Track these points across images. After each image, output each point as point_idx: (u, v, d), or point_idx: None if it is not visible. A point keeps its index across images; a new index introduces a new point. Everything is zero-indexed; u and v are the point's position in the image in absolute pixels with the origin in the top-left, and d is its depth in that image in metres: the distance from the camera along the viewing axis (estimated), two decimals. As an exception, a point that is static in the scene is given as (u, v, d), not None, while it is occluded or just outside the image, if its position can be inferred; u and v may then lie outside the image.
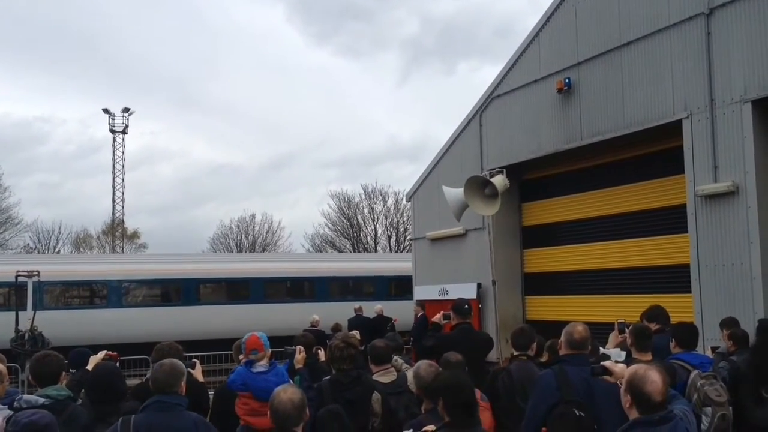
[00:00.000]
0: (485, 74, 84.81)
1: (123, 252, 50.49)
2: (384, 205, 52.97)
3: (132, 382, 6.40)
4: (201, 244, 58.49)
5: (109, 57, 76.06)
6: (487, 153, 17.62)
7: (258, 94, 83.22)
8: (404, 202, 43.09)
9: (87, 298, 25.43)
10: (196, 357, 8.39)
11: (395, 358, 6.99)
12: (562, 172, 16.54)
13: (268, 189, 77.64)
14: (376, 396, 5.89)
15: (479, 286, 17.59)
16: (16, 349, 17.22)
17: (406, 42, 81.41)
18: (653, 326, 6.75)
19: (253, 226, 55.33)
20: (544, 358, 7.07)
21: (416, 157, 79.42)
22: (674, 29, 12.98)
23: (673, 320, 7.30)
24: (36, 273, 19.51)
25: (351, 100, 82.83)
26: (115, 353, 6.54)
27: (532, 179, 17.48)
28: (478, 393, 4.68)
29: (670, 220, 13.77)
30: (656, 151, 14.14)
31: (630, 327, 6.26)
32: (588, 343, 5.17)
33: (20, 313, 18.99)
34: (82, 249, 54.85)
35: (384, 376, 6.21)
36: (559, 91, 15.23)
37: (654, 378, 3.79)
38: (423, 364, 5.23)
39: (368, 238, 53.51)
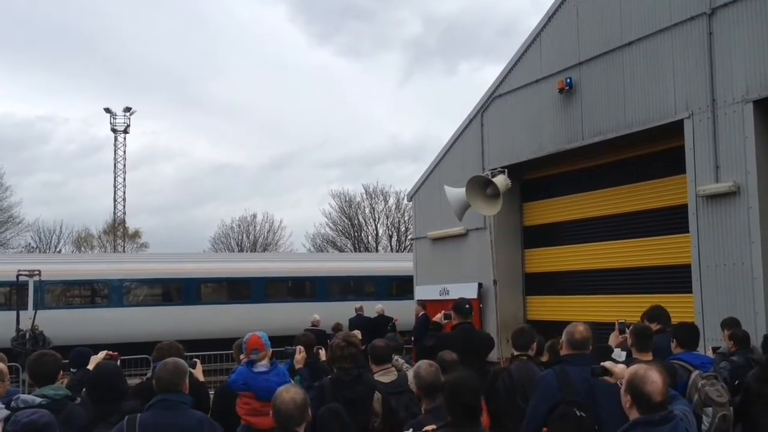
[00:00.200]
0: (487, 74, 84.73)
1: (124, 251, 50.50)
2: (385, 205, 53.09)
3: (132, 381, 6.39)
4: (202, 244, 58.60)
5: (112, 56, 76.20)
6: (489, 153, 17.61)
7: (260, 93, 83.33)
8: (405, 201, 43.07)
9: (88, 298, 25.45)
10: (197, 356, 8.39)
11: (396, 357, 6.99)
12: (564, 172, 16.53)
13: (269, 188, 77.75)
14: (376, 396, 5.89)
15: (480, 285, 17.58)
16: (17, 348, 17.25)
17: (408, 42, 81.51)
18: (654, 326, 6.74)
19: (254, 226, 55.45)
20: (544, 358, 7.07)
21: (418, 156, 79.55)
22: (676, 29, 12.97)
23: (674, 320, 7.29)
24: (37, 272, 19.55)
25: (352, 100, 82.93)
26: (116, 353, 6.54)
27: (534, 179, 17.47)
28: None
29: (671, 220, 13.76)
30: (657, 151, 14.13)
31: (630, 327, 6.25)
32: (589, 343, 5.17)
33: (21, 312, 19.02)
34: (83, 248, 54.97)
35: (384, 376, 6.21)
36: (561, 90, 15.22)
37: (654, 378, 3.78)
38: (423, 364, 5.22)
39: (369, 237, 53.59)
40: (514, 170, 16.33)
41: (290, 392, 4.13)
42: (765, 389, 5.87)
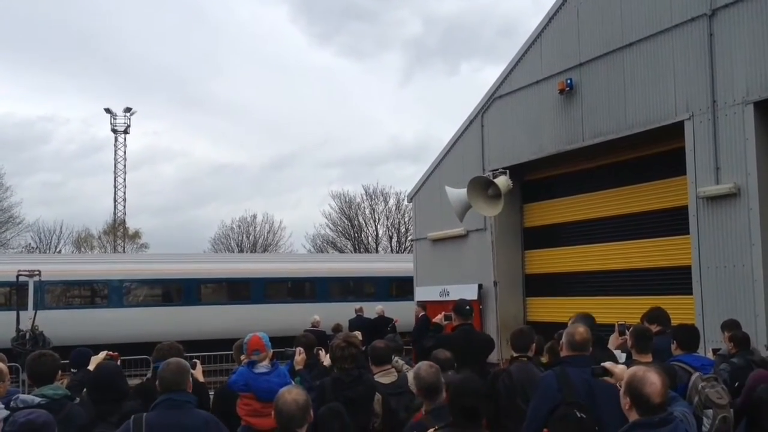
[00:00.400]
0: (488, 75, 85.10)
1: (124, 252, 50.51)
2: (385, 206, 53.08)
3: (133, 382, 6.39)
4: (202, 244, 58.65)
5: (113, 56, 76.25)
6: (489, 154, 17.61)
7: (260, 93, 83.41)
8: (405, 202, 43.08)
9: (88, 298, 25.44)
10: (197, 357, 8.38)
11: (395, 359, 6.99)
12: (564, 173, 16.54)
13: (269, 189, 77.76)
14: (377, 396, 5.89)
15: (480, 287, 17.57)
16: (17, 348, 17.23)
17: (409, 42, 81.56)
18: (654, 328, 6.74)
19: (254, 227, 55.46)
20: (544, 360, 7.07)
21: (418, 157, 79.42)
22: (676, 30, 12.97)
23: (674, 322, 7.28)
24: (37, 272, 19.54)
25: (353, 100, 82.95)
26: (116, 353, 6.54)
27: (534, 180, 17.47)
28: None
29: (671, 221, 13.75)
30: (658, 152, 14.13)
31: (630, 329, 6.25)
32: (589, 344, 5.17)
33: (21, 312, 19.00)
34: (83, 249, 54.94)
35: (384, 377, 6.22)
36: (561, 92, 15.22)
37: (653, 379, 3.76)
38: (424, 365, 5.23)
39: (369, 238, 53.60)
40: (514, 171, 16.33)
41: (292, 393, 4.13)
42: None
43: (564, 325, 5.51)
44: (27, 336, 17.86)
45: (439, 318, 8.69)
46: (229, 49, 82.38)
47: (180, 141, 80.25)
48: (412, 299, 20.19)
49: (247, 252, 51.94)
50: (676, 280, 13.47)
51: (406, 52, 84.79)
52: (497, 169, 16.16)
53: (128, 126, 51.26)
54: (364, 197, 53.16)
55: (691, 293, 12.59)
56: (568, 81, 15.07)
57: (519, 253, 17.85)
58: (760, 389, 5.86)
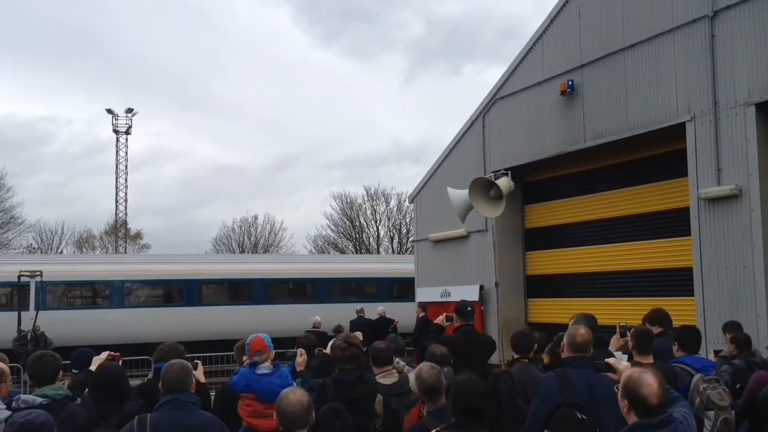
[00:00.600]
0: (490, 76, 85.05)
1: (126, 252, 50.53)
2: (386, 207, 53.09)
3: (134, 382, 6.39)
4: (203, 245, 58.56)
5: (115, 57, 76.32)
6: (490, 155, 17.61)
7: (262, 94, 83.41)
8: (407, 203, 43.08)
9: (89, 299, 25.46)
10: (198, 358, 8.38)
11: (396, 360, 6.99)
12: (565, 174, 16.53)
13: (271, 190, 77.76)
14: (378, 397, 5.90)
15: (482, 288, 17.57)
16: (19, 349, 17.26)
17: (411, 43, 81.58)
18: (655, 329, 6.73)
19: (256, 227, 55.47)
20: (545, 360, 7.07)
21: (420, 158, 79.54)
22: (678, 32, 12.97)
23: (676, 323, 7.28)
24: (39, 273, 19.58)
25: (355, 102, 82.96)
26: (118, 354, 6.54)
27: (535, 181, 17.47)
28: None
29: (673, 223, 13.75)
30: (659, 153, 14.12)
31: (631, 330, 6.24)
32: (590, 346, 5.17)
33: (23, 312, 19.04)
34: (84, 249, 54.99)
35: (385, 378, 6.22)
36: (563, 93, 15.22)
37: (649, 381, 3.73)
38: (425, 366, 5.23)
39: (371, 239, 53.60)
40: (515, 172, 16.33)
41: (296, 394, 4.13)
42: None
43: (565, 327, 5.51)
44: (28, 336, 17.90)
45: (440, 319, 8.70)
46: (231, 49, 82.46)
47: (182, 142, 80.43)
48: (414, 300, 20.19)
49: (248, 253, 51.94)
50: (678, 282, 13.46)
51: (408, 54, 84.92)
52: (499, 171, 16.16)
53: (130, 127, 51.36)
54: (366, 198, 53.25)
55: (692, 295, 12.59)
56: (570, 82, 15.07)
57: (520, 254, 17.84)
58: (766, 390, 5.86)
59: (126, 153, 51.37)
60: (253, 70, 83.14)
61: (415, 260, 21.19)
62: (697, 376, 5.66)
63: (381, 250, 52.47)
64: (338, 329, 14.59)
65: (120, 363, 6.27)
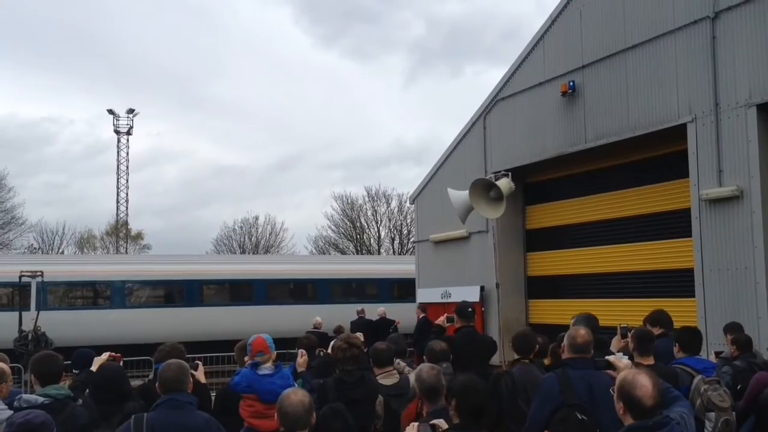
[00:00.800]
0: (491, 77, 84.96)
1: (127, 253, 50.55)
2: (387, 208, 53.09)
3: (135, 382, 6.39)
4: (204, 246, 58.55)
5: (117, 57, 76.39)
6: (491, 156, 17.61)
7: (264, 95, 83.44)
8: (408, 204, 43.08)
9: (90, 299, 25.47)
10: (199, 358, 8.38)
11: (397, 361, 6.99)
12: (566, 175, 16.53)
13: (272, 190, 77.76)
14: (378, 398, 5.89)
15: (482, 289, 17.57)
16: (20, 349, 17.28)
17: (413, 44, 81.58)
18: (656, 330, 6.72)
19: (257, 228, 55.47)
20: (547, 362, 7.07)
21: (421, 159, 79.49)
22: (679, 33, 12.97)
23: (677, 325, 7.27)
24: (40, 273, 19.61)
25: (357, 102, 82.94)
26: (119, 354, 6.55)
27: (536, 182, 17.47)
28: None
29: (674, 224, 13.74)
30: (660, 154, 14.12)
31: (632, 331, 6.24)
32: (591, 346, 5.17)
33: (24, 313, 19.06)
34: (85, 249, 54.99)
35: (386, 379, 6.21)
36: (564, 94, 15.22)
37: (643, 382, 3.73)
38: (425, 366, 5.23)
39: (371, 240, 53.59)
40: (517, 173, 16.33)
41: (298, 394, 4.13)
42: None
43: (566, 328, 5.50)
44: (29, 336, 17.92)
45: (441, 320, 8.70)
46: (232, 49, 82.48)
47: (183, 142, 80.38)
48: (414, 301, 20.19)
49: (249, 253, 51.95)
50: (679, 283, 13.46)
51: (409, 54, 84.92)
52: (499, 171, 16.16)
53: (131, 127, 51.40)
54: (366, 199, 53.27)
55: (693, 296, 12.59)
56: (571, 83, 15.07)
57: (521, 255, 17.84)
58: (766, 392, 5.86)
59: (127, 153, 51.47)
60: (254, 70, 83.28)
61: (416, 261, 21.19)
62: (698, 378, 5.66)
63: (382, 250, 52.50)
64: (339, 330, 14.59)
65: (121, 363, 6.27)
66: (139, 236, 56.94)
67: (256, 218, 55.59)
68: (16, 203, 46.08)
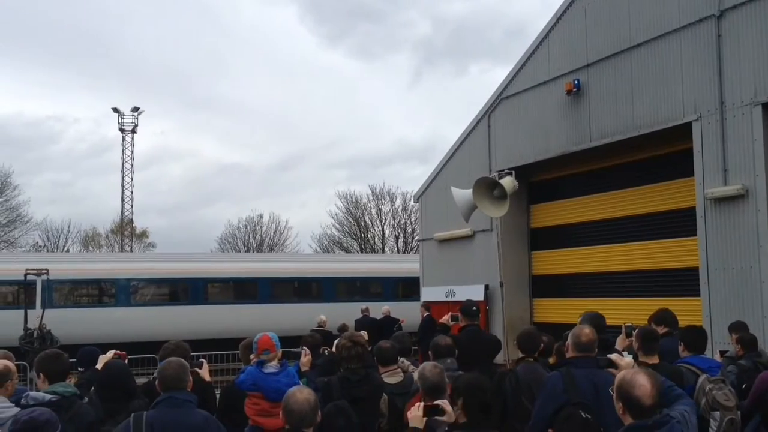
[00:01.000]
0: (497, 76, 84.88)
1: (131, 251, 50.64)
2: (392, 206, 53.10)
3: (140, 380, 6.41)
4: (209, 244, 58.65)
5: (122, 56, 76.39)
6: (496, 154, 17.61)
7: (268, 94, 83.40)
8: (412, 202, 43.06)
9: (95, 297, 25.52)
10: (204, 356, 8.40)
11: (401, 359, 6.99)
12: (571, 174, 16.52)
13: (277, 189, 77.78)
14: (383, 396, 5.89)
15: (487, 287, 17.58)
16: (25, 347, 17.31)
17: (418, 43, 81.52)
18: (661, 329, 6.71)
19: (261, 226, 55.51)
20: (552, 360, 7.07)
21: (426, 158, 79.44)
22: (684, 31, 12.94)
23: (682, 324, 7.26)
24: (45, 271, 19.62)
25: (362, 101, 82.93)
26: (124, 352, 6.56)
27: (541, 181, 17.45)
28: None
29: (679, 223, 13.72)
30: (665, 153, 14.10)
31: (636, 330, 6.23)
32: (595, 345, 5.17)
33: (29, 311, 19.09)
34: (90, 247, 55.10)
35: (391, 377, 6.21)
36: (568, 92, 15.20)
37: (642, 381, 3.73)
38: (428, 365, 5.23)
39: (376, 238, 53.58)
40: (521, 172, 16.30)
41: (304, 393, 4.13)
42: None
43: (571, 326, 5.50)
44: (35, 334, 17.95)
45: (446, 318, 8.69)
46: (236, 49, 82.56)
47: (187, 141, 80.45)
48: (419, 299, 20.20)
49: (253, 252, 51.99)
50: (684, 282, 13.44)
51: (414, 53, 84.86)
52: (503, 170, 16.14)
53: (136, 125, 51.43)
54: (371, 197, 53.27)
55: (698, 295, 12.57)
56: (576, 82, 15.06)
57: (526, 253, 17.84)
58: None
59: (132, 152, 51.51)
60: (259, 69, 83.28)
61: (420, 260, 21.19)
62: (702, 377, 5.65)
63: (386, 249, 52.48)
64: (343, 328, 14.58)
65: (126, 361, 6.28)
66: (143, 234, 57.08)
67: (261, 217, 55.70)
68: (22, 201, 46.23)
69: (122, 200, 51.34)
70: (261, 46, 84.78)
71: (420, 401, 4.68)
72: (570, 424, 4.66)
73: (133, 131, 51.41)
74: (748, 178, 11.79)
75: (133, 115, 51.20)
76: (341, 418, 5.09)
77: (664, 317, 7.14)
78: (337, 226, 53.36)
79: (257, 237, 55.43)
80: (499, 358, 10.19)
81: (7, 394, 4.81)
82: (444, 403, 4.49)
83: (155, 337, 17.68)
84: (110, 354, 6.39)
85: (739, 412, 5.56)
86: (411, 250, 48.61)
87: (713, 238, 12.32)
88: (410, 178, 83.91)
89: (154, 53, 78.33)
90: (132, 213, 51.98)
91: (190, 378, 4.70)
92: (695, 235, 12.77)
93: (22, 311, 19.16)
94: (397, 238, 53.53)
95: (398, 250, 51.81)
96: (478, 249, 18.18)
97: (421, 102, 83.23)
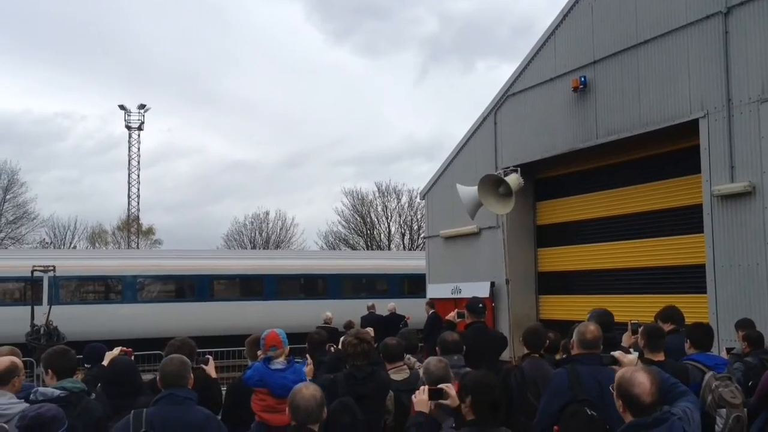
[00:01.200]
0: (503, 73, 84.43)
1: (138, 248, 50.75)
2: (398, 203, 53.10)
3: (146, 377, 6.42)
4: (215, 241, 58.71)
5: (129, 54, 76.53)
6: (502, 151, 17.59)
7: (275, 91, 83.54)
8: (418, 200, 43.05)
9: (102, 294, 25.60)
10: (210, 353, 8.42)
11: (408, 356, 6.99)
12: (577, 171, 16.48)
13: (283, 186, 77.87)
14: (389, 393, 5.90)
15: (492, 284, 17.57)
16: (32, 343, 17.38)
17: (425, 40, 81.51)
18: (667, 327, 6.71)
19: (267, 223, 55.57)
20: (558, 356, 7.07)
21: (433, 155, 79.52)
22: (691, 28, 12.90)
23: (688, 321, 7.25)
24: (52, 268, 19.71)
25: (368, 98, 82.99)
26: (130, 349, 6.58)
27: (547, 178, 17.42)
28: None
29: (685, 220, 13.69)
30: (672, 150, 14.06)
31: (642, 327, 6.22)
32: (600, 342, 5.16)
33: (36, 307, 19.17)
34: (97, 244, 55.25)
35: (397, 374, 6.21)
36: (575, 89, 15.16)
37: (641, 379, 3.75)
38: (433, 359, 5.24)
39: (382, 235, 53.59)
40: (527, 169, 16.30)
41: (310, 389, 4.13)
42: None
43: (578, 323, 5.50)
44: (41, 331, 18.03)
45: (452, 315, 8.69)
46: (243, 46, 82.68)
47: (194, 138, 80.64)
48: (425, 296, 20.20)
49: (259, 249, 52.05)
50: (690, 279, 13.41)
51: (421, 50, 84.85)
52: (509, 167, 16.14)
53: (142, 122, 51.56)
54: (377, 194, 53.28)
55: (705, 292, 12.54)
56: (582, 78, 15.02)
57: (532, 251, 17.82)
58: None
59: (138, 149, 51.66)
60: (265, 66, 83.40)
61: (426, 257, 21.19)
62: (709, 374, 5.64)
63: (392, 246, 52.49)
64: (349, 325, 14.60)
65: (132, 358, 6.30)
66: (150, 231, 57.24)
67: (267, 213, 55.78)
68: (29, 198, 46.50)
69: (128, 197, 51.55)
70: (267, 43, 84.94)
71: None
72: (575, 421, 4.66)
73: (140, 128, 51.59)
74: (755, 175, 11.75)
75: (139, 113, 51.37)
76: (347, 415, 5.09)
77: (671, 314, 7.13)
78: (344, 223, 53.47)
79: (263, 234, 55.55)
80: (505, 355, 10.19)
81: (14, 390, 4.83)
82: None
83: (161, 333, 17.73)
84: (116, 351, 6.41)
85: (745, 409, 5.54)
86: (417, 247, 48.62)
87: (720, 235, 12.29)
88: (417, 175, 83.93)
89: (161, 50, 78.54)
90: (138, 210, 52.20)
91: (191, 375, 4.69)
92: (702, 232, 12.73)
93: (28, 308, 19.24)
94: (403, 235, 53.59)
95: (404, 247, 51.83)
96: (484, 246, 18.17)
97: (428, 99, 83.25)
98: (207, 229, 76.74)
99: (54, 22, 75.39)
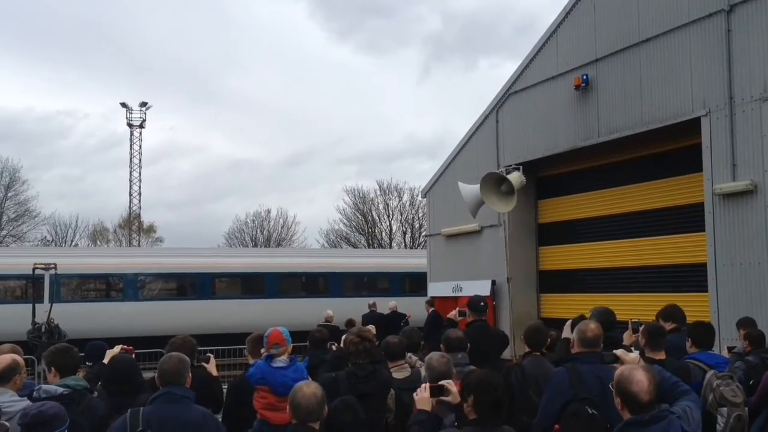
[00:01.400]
0: (506, 71, 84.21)
1: (139, 246, 50.78)
2: (399, 201, 53.09)
3: (147, 375, 6.43)
4: (216, 239, 58.73)
5: (132, 52, 76.52)
6: (504, 149, 17.57)
7: (277, 89, 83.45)
8: (420, 198, 43.03)
9: (103, 291, 25.60)
10: (211, 351, 8.42)
11: (409, 355, 6.98)
12: (579, 169, 16.46)
13: (285, 185, 77.86)
14: (390, 392, 5.90)
15: (494, 283, 17.55)
16: (33, 341, 17.39)
17: (427, 38, 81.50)
18: (669, 325, 6.71)
19: (269, 221, 55.60)
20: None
21: (435, 153, 79.49)
22: (694, 26, 12.88)
23: (690, 319, 7.25)
24: (53, 266, 19.71)
25: (371, 97, 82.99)
26: (131, 347, 6.58)
27: (549, 176, 17.41)
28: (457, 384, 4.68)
29: (687, 218, 13.68)
30: (674, 148, 14.05)
31: (643, 326, 6.22)
32: (600, 341, 5.16)
33: (37, 305, 19.18)
34: (98, 242, 55.29)
35: (398, 372, 6.21)
36: (577, 87, 15.14)
37: (639, 377, 3.77)
38: (435, 355, 5.24)
39: (383, 234, 53.61)
40: (529, 167, 16.28)
41: (311, 387, 4.13)
42: None
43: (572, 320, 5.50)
44: (42, 329, 18.04)
45: (453, 314, 8.68)
46: (246, 44, 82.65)
47: (196, 136, 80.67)
48: (426, 295, 20.19)
49: (261, 247, 52.05)
50: (692, 278, 13.40)
51: (424, 48, 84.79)
52: (511, 165, 16.12)
53: (144, 120, 51.57)
54: (378, 193, 53.29)
55: (706, 290, 12.53)
56: (584, 77, 15.00)
57: (533, 249, 17.81)
58: None
59: (140, 147, 51.69)
60: (268, 64, 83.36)
61: (428, 255, 21.19)
62: (710, 373, 5.64)
63: (393, 244, 52.49)
64: (350, 323, 14.59)
65: (133, 356, 6.30)
66: (151, 229, 57.27)
67: (268, 212, 55.82)
68: (30, 196, 46.54)
69: (130, 195, 51.59)
70: (270, 41, 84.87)
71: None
72: (576, 420, 4.65)
73: (141, 126, 51.58)
74: (756, 174, 11.73)
75: (141, 110, 51.35)
76: (348, 413, 5.09)
77: (672, 313, 7.13)
78: (345, 221, 53.49)
79: (265, 232, 55.59)
80: (506, 354, 10.20)
81: (15, 387, 4.84)
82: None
83: (162, 331, 17.73)
84: (117, 348, 6.42)
85: (746, 408, 5.54)
86: (418, 245, 48.60)
87: (721, 233, 12.28)
88: (419, 173, 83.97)
89: (164, 49, 78.57)
90: (140, 208, 52.22)
91: (190, 374, 4.68)
92: (703, 230, 12.72)
93: (30, 305, 19.24)
94: (405, 233, 53.59)
95: (405, 246, 51.84)
96: (486, 244, 18.16)
97: (431, 97, 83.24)
98: (208, 227, 76.93)
99: (56, 20, 75.50)
